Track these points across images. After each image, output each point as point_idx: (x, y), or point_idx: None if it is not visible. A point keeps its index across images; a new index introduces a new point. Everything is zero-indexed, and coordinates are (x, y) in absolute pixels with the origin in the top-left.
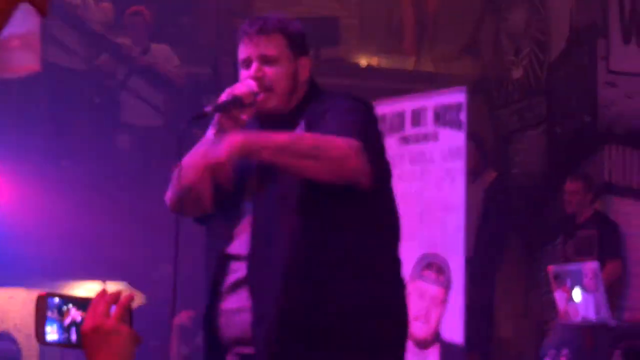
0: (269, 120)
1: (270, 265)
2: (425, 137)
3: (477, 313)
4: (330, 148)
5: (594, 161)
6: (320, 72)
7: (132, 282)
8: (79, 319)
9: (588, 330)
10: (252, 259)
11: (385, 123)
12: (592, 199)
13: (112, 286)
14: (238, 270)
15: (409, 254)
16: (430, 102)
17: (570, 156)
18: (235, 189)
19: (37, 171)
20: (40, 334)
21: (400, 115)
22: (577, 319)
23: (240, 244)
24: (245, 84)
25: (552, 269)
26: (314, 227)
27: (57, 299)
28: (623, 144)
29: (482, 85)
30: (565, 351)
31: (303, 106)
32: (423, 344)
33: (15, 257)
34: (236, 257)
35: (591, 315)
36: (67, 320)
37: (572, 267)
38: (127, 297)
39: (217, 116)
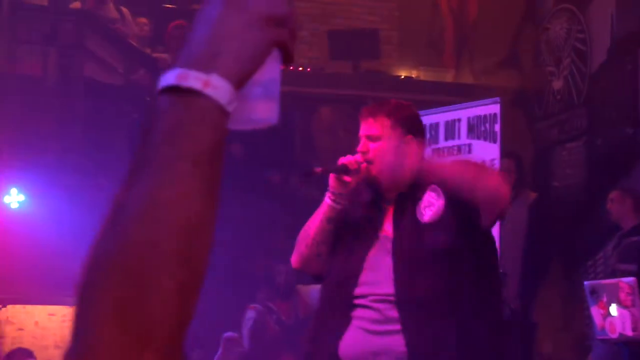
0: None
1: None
2: (458, 149)
3: (518, 331)
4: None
5: (635, 173)
6: (360, 84)
7: None
8: None
9: (626, 347)
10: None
11: None
12: (635, 207)
13: None
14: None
15: None
16: (464, 113)
17: (611, 169)
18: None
19: (75, 189)
20: None
21: (434, 128)
22: (614, 335)
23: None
24: (353, 155)
25: (588, 284)
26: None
27: None
28: None
29: (522, 97)
30: None
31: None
32: None
33: (54, 275)
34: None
35: (628, 331)
36: None
37: (608, 282)
38: None
39: (330, 177)
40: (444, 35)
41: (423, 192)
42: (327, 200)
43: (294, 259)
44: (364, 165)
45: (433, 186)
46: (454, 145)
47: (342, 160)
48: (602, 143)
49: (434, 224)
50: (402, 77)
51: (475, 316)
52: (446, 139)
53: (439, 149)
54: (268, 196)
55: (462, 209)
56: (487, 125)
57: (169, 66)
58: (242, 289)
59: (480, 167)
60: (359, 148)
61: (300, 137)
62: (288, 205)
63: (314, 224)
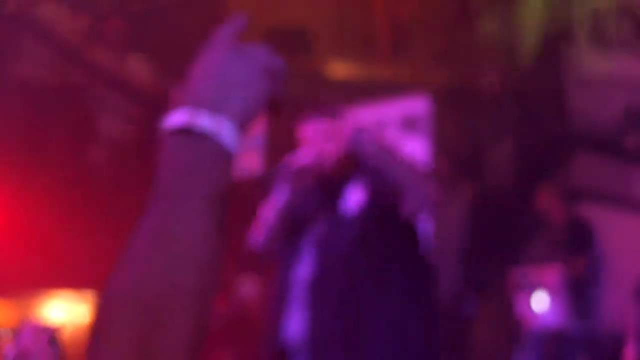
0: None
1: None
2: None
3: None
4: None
5: (564, 168)
6: (293, 81)
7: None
8: None
9: (549, 336)
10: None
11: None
12: (563, 204)
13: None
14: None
15: None
16: (394, 108)
17: (541, 164)
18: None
19: (12, 189)
20: None
21: (364, 123)
22: (539, 324)
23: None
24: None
25: (514, 274)
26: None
27: None
28: (593, 151)
29: (455, 93)
30: (529, 357)
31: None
32: None
33: None
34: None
35: (552, 321)
36: None
37: (535, 270)
38: None
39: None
40: (379, 31)
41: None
42: None
43: None
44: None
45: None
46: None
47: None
48: (532, 139)
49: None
50: (336, 73)
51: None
52: (377, 134)
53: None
54: None
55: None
56: (418, 120)
57: (177, 105)
58: None
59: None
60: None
61: None
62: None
63: None
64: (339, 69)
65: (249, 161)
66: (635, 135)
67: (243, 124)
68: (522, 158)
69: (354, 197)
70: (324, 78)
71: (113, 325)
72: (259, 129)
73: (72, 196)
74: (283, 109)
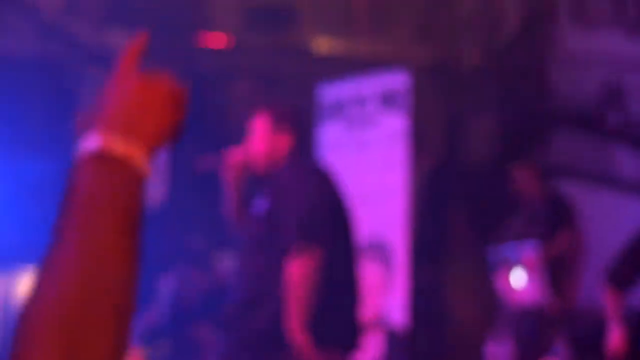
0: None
1: None
2: (367, 121)
3: (424, 296)
4: None
5: (544, 144)
6: (274, 57)
7: None
8: None
9: (527, 314)
10: None
11: (328, 107)
12: (540, 180)
13: None
14: None
15: None
16: (373, 84)
17: (521, 140)
18: None
19: None
20: None
21: (343, 99)
22: (517, 301)
23: None
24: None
25: (493, 250)
26: None
27: None
28: (572, 126)
29: (436, 68)
30: (506, 334)
31: None
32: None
33: None
34: None
35: (529, 298)
36: None
37: (511, 249)
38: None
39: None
40: (359, 6)
41: None
42: None
43: None
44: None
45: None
46: (362, 117)
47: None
48: (513, 116)
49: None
50: (317, 48)
51: None
52: (355, 109)
53: (348, 120)
54: (182, 172)
55: None
56: (397, 96)
57: (87, 130)
58: (157, 258)
59: None
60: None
61: (215, 112)
62: (201, 180)
63: None
64: (321, 45)
65: (152, 187)
66: (615, 112)
67: (153, 150)
68: (502, 134)
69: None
70: (306, 53)
71: (34, 349)
72: (163, 155)
73: None
74: (185, 137)
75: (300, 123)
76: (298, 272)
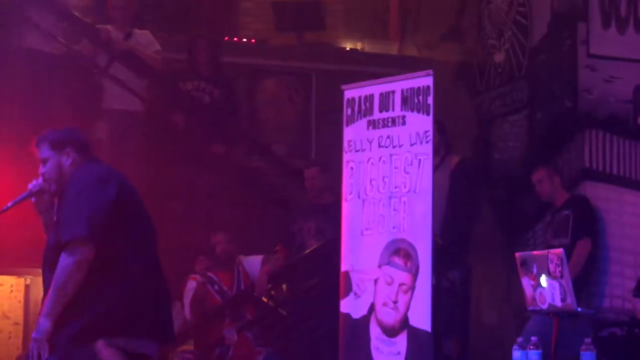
0: None
1: None
2: (393, 121)
3: (450, 299)
4: None
5: (574, 146)
6: (304, 56)
7: None
8: None
9: (555, 317)
10: None
11: (355, 107)
12: (563, 182)
13: None
14: None
15: (377, 240)
16: (398, 85)
17: (551, 141)
18: None
19: (13, 158)
20: None
21: (369, 99)
22: (544, 305)
23: None
24: (36, 179)
25: (519, 255)
26: None
27: None
28: (603, 129)
29: (464, 70)
30: (534, 339)
31: None
32: (391, 331)
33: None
34: None
35: (557, 301)
36: None
37: (538, 253)
38: None
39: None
40: (389, 8)
41: None
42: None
43: None
44: (46, 184)
45: None
46: (388, 117)
47: (29, 185)
48: (542, 116)
49: None
50: (347, 49)
51: None
52: (380, 110)
53: (374, 121)
54: (210, 167)
55: None
56: (421, 97)
57: None
58: (182, 259)
59: None
60: (40, 171)
61: (245, 108)
62: (230, 177)
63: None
64: (349, 44)
65: None
66: None
67: None
68: (533, 134)
69: None
70: (333, 53)
71: None
72: None
73: None
74: None
75: (75, 140)
76: (63, 264)
